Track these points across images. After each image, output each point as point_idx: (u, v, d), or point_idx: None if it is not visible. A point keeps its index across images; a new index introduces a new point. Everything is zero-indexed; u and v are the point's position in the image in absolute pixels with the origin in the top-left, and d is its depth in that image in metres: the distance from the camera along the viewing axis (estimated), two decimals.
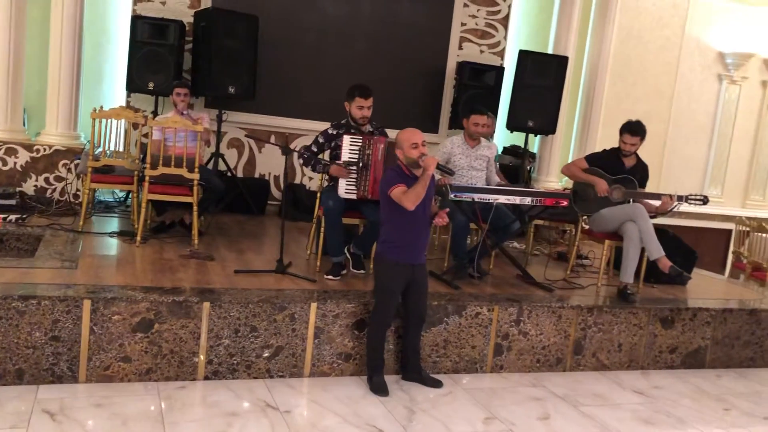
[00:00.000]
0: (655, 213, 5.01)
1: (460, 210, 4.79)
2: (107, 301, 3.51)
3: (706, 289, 5.57)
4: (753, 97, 9.01)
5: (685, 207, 5.13)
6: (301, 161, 4.84)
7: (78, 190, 5.87)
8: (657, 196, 5.01)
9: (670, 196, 4.93)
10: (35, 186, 5.92)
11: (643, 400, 4.19)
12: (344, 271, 4.59)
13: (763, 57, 8.89)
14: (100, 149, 5.19)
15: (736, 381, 4.75)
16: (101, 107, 5.25)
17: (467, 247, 5.01)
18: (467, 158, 5.12)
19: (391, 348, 4.05)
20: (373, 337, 3.85)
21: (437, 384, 3.97)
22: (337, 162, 4.58)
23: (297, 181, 7.13)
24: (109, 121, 5.30)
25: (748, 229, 6.83)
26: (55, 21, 5.89)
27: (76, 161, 5.80)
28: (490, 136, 6.22)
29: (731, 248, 8.00)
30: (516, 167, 7.08)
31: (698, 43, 8.64)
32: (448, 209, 3.97)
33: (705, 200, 4.99)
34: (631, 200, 5.06)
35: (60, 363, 3.47)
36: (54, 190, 5.96)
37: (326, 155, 4.84)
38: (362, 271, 4.69)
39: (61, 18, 5.85)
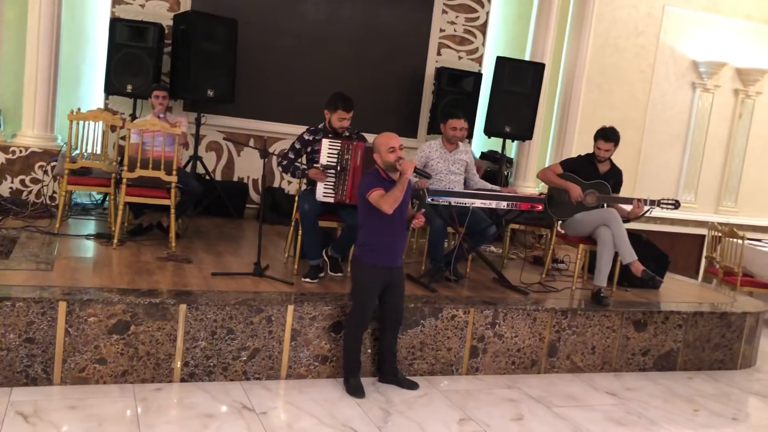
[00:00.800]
0: (628, 217, 5.10)
1: (437, 214, 4.84)
2: (83, 303, 3.51)
3: (679, 292, 5.67)
4: (725, 105, 9.19)
5: (658, 212, 5.23)
6: (281, 169, 4.86)
7: (54, 192, 5.83)
8: (630, 201, 5.10)
9: (643, 201, 5.02)
10: (11, 188, 5.87)
11: (616, 402, 4.26)
12: (322, 274, 4.62)
13: (735, 66, 9.07)
14: (77, 151, 5.17)
15: (706, 383, 4.84)
16: (79, 109, 5.23)
17: (444, 251, 5.05)
18: (445, 162, 5.17)
19: (368, 350, 4.08)
20: (350, 339, 3.88)
21: (413, 386, 4.00)
22: (315, 165, 4.61)
23: (276, 184, 7.15)
24: (86, 123, 5.28)
25: (720, 234, 6.95)
26: (32, 22, 5.85)
27: (53, 163, 5.76)
28: (466, 139, 6.28)
29: (704, 253, 8.15)
30: (494, 172, 7.15)
31: (672, 52, 8.81)
32: (423, 210, 4.02)
33: (677, 204, 5.09)
34: (605, 205, 5.15)
35: (34, 365, 3.45)
36: (30, 192, 5.92)
37: (304, 160, 4.87)
38: (340, 274, 4.72)
39: (38, 19, 5.82)
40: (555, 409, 4.02)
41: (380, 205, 3.69)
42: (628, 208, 5.08)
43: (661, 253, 5.72)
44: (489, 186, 5.27)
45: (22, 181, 5.91)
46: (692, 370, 5.03)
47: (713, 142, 9.18)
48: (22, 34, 6.00)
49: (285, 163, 4.75)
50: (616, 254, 5.03)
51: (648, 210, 5.04)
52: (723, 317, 5.11)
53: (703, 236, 8.47)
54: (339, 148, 4.55)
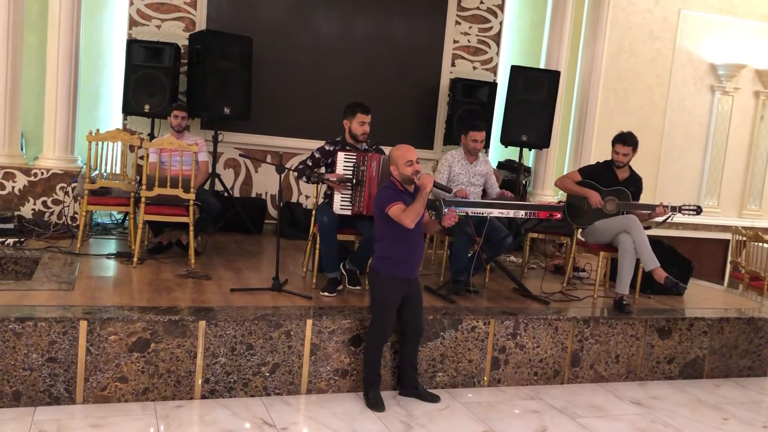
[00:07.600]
0: (648, 223, 5.03)
1: (460, 227, 4.79)
2: (103, 322, 3.53)
3: (704, 298, 5.58)
4: (746, 107, 9.07)
5: (680, 218, 5.15)
6: (296, 174, 4.88)
7: (75, 212, 5.91)
8: (650, 207, 5.04)
9: (664, 207, 4.96)
10: (33, 209, 5.95)
11: (641, 411, 4.19)
12: (340, 288, 4.61)
13: (755, 68, 8.96)
14: (97, 172, 5.22)
15: (734, 390, 4.74)
16: (98, 130, 5.29)
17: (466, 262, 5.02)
18: (466, 174, 5.17)
19: (388, 363, 4.05)
20: (370, 354, 3.86)
21: (434, 399, 3.97)
22: (332, 179, 4.61)
23: (293, 199, 7.17)
24: (105, 143, 5.35)
25: (745, 238, 6.83)
26: (51, 46, 5.95)
27: (73, 184, 5.83)
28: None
29: (729, 258, 8.01)
30: (511, 181, 7.12)
31: (690, 56, 8.73)
32: (452, 207, 4.04)
33: (698, 210, 5.01)
34: (625, 212, 5.09)
35: (57, 384, 3.48)
36: (52, 213, 5.99)
37: (322, 171, 4.88)
38: (358, 287, 4.71)
39: (57, 43, 5.92)
40: (579, 419, 3.95)
41: (401, 220, 3.68)
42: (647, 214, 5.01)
43: (684, 258, 5.63)
44: (508, 194, 5.22)
45: (44, 203, 5.99)
46: (719, 378, 4.93)
47: (734, 145, 9.05)
48: (42, 58, 6.11)
49: (301, 167, 4.76)
50: (638, 261, 4.96)
51: (669, 217, 4.98)
52: (750, 323, 5.01)
53: (728, 241, 8.33)
54: (354, 160, 4.56)
